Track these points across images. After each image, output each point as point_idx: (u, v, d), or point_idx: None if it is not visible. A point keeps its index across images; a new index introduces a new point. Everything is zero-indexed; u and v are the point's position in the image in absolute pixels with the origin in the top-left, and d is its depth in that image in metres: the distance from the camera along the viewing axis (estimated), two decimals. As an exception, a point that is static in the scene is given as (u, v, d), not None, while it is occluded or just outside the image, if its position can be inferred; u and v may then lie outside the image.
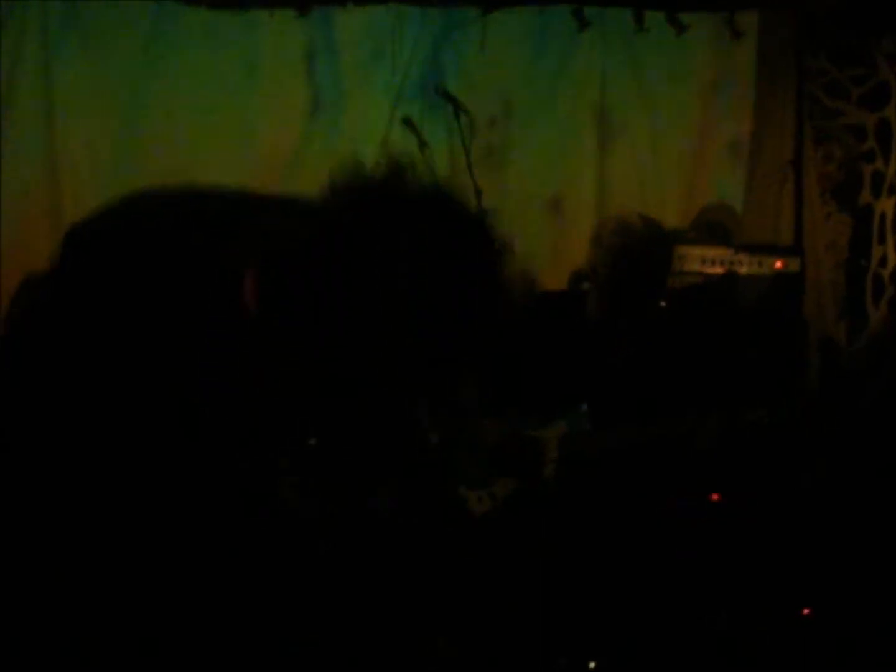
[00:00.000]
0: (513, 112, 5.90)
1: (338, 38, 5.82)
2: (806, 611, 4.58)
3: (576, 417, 3.83)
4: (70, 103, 5.61)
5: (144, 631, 0.85)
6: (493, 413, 3.92)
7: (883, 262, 5.65)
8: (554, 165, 5.97)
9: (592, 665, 3.85)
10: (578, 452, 3.80)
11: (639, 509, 3.87)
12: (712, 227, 5.53)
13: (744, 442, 3.86)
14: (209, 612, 0.86)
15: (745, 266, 5.31)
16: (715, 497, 4.64)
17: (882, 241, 5.68)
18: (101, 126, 5.63)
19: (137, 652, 0.86)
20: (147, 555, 0.84)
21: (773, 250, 5.46)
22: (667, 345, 3.89)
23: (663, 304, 4.11)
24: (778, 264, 5.35)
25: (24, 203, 5.52)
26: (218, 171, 5.75)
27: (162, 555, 0.84)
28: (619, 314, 3.84)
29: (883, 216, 5.68)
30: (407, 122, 5.16)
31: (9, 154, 5.43)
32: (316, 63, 5.83)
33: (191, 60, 5.72)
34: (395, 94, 5.78)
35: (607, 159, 5.99)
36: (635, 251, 3.74)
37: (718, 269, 5.27)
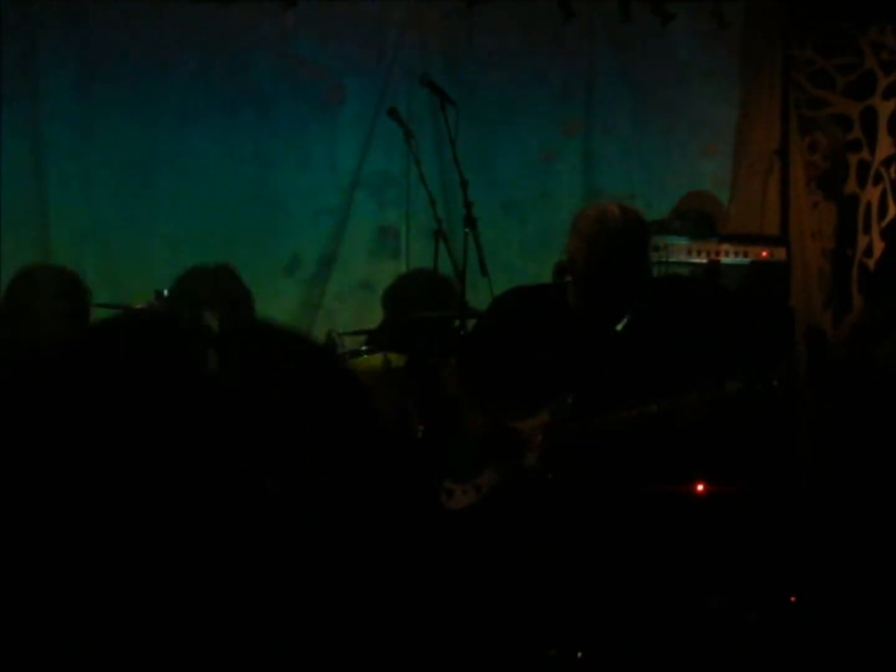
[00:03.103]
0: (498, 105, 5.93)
1: (324, 31, 5.83)
2: (793, 598, 4.60)
3: (560, 408, 3.84)
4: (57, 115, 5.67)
5: (144, 631, 0.87)
6: (477, 405, 3.93)
7: (868, 250, 5.66)
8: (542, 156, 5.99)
9: (580, 655, 3.85)
10: (562, 441, 3.80)
11: (625, 496, 3.88)
12: (697, 216, 5.54)
13: (725, 418, 3.85)
14: (209, 611, 0.87)
15: (731, 256, 5.33)
16: (701, 485, 4.66)
17: (867, 230, 5.69)
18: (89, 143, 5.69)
19: (137, 652, 0.87)
20: (146, 555, 0.85)
21: (759, 240, 5.48)
22: (649, 335, 3.89)
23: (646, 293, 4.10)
24: (764, 253, 5.37)
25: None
26: (214, 170, 5.78)
27: (161, 555, 0.85)
28: (596, 303, 3.82)
29: (868, 205, 5.69)
30: (392, 114, 5.16)
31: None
32: (302, 55, 5.84)
33: (179, 59, 5.75)
34: (382, 85, 5.79)
35: (594, 149, 6.01)
36: (613, 239, 3.71)
37: (704, 259, 5.30)
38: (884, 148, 5.64)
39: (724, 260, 5.32)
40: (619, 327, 3.87)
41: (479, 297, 4.85)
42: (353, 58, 5.86)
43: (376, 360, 5.00)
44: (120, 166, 5.70)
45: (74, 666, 0.87)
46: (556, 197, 5.91)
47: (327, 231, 5.89)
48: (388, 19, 5.86)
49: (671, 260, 5.27)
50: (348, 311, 5.86)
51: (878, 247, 5.59)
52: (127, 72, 5.70)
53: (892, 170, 5.61)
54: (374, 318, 5.75)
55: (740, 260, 5.33)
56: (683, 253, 5.30)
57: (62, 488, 0.83)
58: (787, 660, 4.22)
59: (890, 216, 5.59)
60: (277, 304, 5.73)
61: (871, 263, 5.62)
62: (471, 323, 4.61)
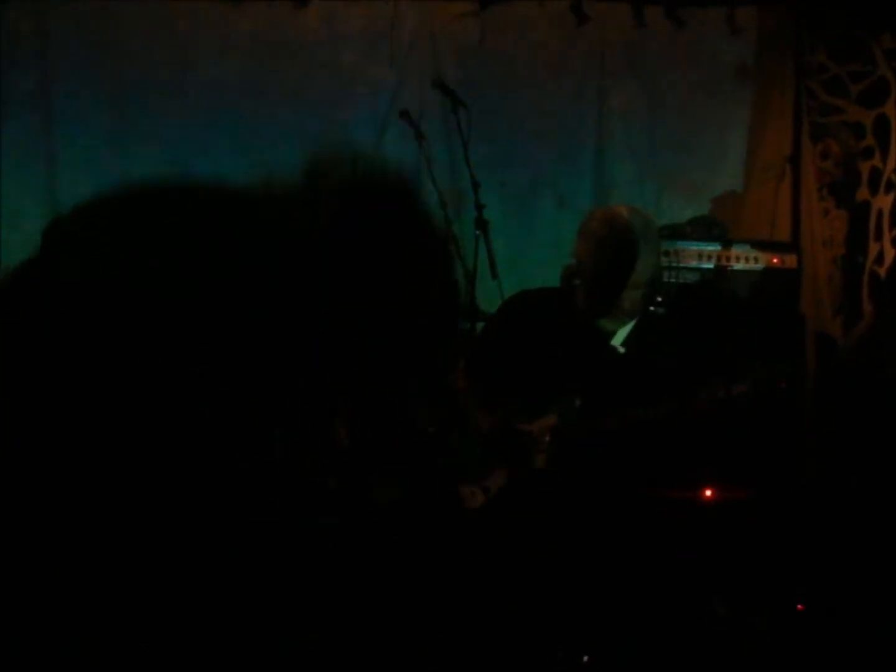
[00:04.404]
0: (512, 106, 5.92)
1: (336, 32, 5.83)
2: (800, 606, 4.59)
3: (567, 410, 3.83)
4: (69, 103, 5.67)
5: (144, 631, 0.85)
6: (485, 406, 3.93)
7: (879, 258, 5.64)
8: (555, 160, 5.98)
9: (585, 658, 3.85)
10: (570, 442, 3.80)
11: (632, 498, 3.88)
12: (709, 222, 5.54)
13: (732, 420, 3.86)
14: (209, 611, 0.86)
15: (742, 262, 5.34)
16: (709, 490, 4.65)
17: (879, 237, 5.67)
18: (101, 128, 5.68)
19: (137, 652, 0.86)
20: (147, 554, 0.83)
21: (770, 246, 5.48)
22: (656, 338, 3.89)
23: (659, 298, 4.11)
24: (775, 260, 5.37)
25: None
26: (220, 161, 5.79)
27: (162, 554, 0.83)
28: (604, 306, 3.83)
29: (880, 213, 5.67)
30: (404, 116, 5.16)
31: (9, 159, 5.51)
32: (314, 56, 5.83)
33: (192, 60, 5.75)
34: (393, 87, 5.79)
35: (607, 153, 6.00)
36: (621, 241, 3.72)
37: (714, 265, 5.31)
38: (896, 156, 5.63)
39: (734, 266, 5.32)
40: (626, 330, 3.87)
41: (489, 299, 4.85)
42: (365, 59, 5.85)
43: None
44: None
45: (74, 666, 0.85)
46: (568, 200, 5.90)
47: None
48: (401, 21, 5.85)
49: (681, 265, 5.29)
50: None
51: (890, 255, 5.58)
52: (142, 72, 5.71)
53: (904, 177, 5.61)
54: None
55: (751, 266, 5.34)
56: (694, 258, 5.31)
57: (58, 483, 0.82)
58: (790, 662, 4.22)
59: (901, 224, 5.59)
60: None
61: (881, 271, 5.60)
62: (480, 325, 4.61)
